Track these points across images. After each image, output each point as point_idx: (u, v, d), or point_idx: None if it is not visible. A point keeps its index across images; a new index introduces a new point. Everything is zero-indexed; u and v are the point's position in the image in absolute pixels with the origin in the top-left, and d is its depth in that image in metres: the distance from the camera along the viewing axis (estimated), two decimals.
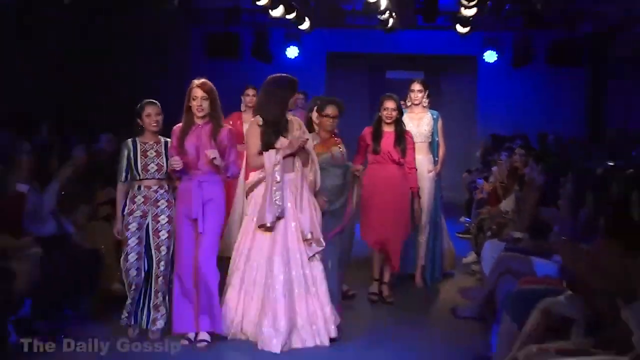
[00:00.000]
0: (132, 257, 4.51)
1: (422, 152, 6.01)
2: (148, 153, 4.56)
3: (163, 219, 4.56)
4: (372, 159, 5.68)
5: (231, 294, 4.62)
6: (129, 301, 4.55)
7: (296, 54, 12.43)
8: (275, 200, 4.53)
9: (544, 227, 4.76)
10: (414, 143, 5.76)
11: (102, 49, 9.20)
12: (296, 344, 4.52)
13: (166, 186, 4.62)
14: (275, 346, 4.42)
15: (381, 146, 5.61)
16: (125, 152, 4.56)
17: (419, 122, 6.13)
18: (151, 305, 4.59)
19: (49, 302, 4.65)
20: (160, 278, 4.58)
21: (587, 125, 12.34)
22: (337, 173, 5.19)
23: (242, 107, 6.72)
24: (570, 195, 4.55)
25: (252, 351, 4.44)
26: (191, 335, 4.49)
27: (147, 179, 4.56)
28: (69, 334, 4.52)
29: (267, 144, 4.60)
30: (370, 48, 12.38)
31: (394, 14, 10.23)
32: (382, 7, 9.58)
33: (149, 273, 4.59)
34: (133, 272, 4.52)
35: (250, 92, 6.63)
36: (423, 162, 5.97)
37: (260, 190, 4.65)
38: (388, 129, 5.64)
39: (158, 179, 4.58)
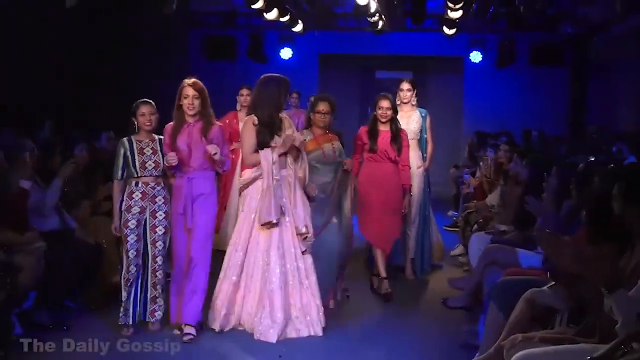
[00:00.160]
0: (132, 253, 4.55)
1: (411, 148, 5.99)
2: (145, 151, 4.60)
3: (160, 214, 4.62)
4: (368, 157, 5.71)
5: (229, 287, 4.66)
6: (124, 297, 4.57)
7: (290, 55, 12.57)
8: (278, 197, 4.61)
9: (529, 220, 4.78)
10: (408, 141, 5.82)
11: (103, 51, 9.20)
12: (291, 334, 4.62)
13: (162, 183, 4.67)
14: (272, 336, 4.52)
15: (378, 145, 5.65)
16: (122, 151, 4.60)
17: (408, 120, 6.20)
18: (148, 297, 4.65)
19: (52, 295, 4.72)
20: (159, 272, 4.64)
21: (569, 123, 12.51)
22: (327, 170, 5.20)
23: (238, 107, 6.86)
24: (554, 189, 4.60)
25: (249, 342, 4.51)
26: (186, 328, 4.52)
27: (145, 176, 4.59)
28: (71, 326, 4.65)
29: (263, 143, 4.67)
30: (361, 49, 12.52)
31: (383, 16, 10.32)
32: (372, 10, 9.69)
33: (144, 267, 4.64)
34: (133, 269, 4.57)
35: (245, 91, 6.75)
36: (412, 158, 6.02)
37: (255, 187, 4.71)
38: (384, 128, 5.69)
39: (155, 175, 4.62)
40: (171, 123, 4.64)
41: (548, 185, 4.71)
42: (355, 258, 6.26)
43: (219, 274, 4.75)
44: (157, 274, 4.64)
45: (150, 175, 4.62)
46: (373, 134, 5.68)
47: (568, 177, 4.43)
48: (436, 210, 7.18)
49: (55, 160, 5.28)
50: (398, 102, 6.28)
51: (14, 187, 4.74)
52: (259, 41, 12.27)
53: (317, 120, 5.24)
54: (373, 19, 10.30)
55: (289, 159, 4.75)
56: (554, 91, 12.54)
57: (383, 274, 5.66)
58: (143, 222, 4.61)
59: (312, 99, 8.62)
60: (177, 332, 4.61)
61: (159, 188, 4.65)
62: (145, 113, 4.61)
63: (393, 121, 5.70)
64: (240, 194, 4.87)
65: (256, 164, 4.69)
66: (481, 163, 7.81)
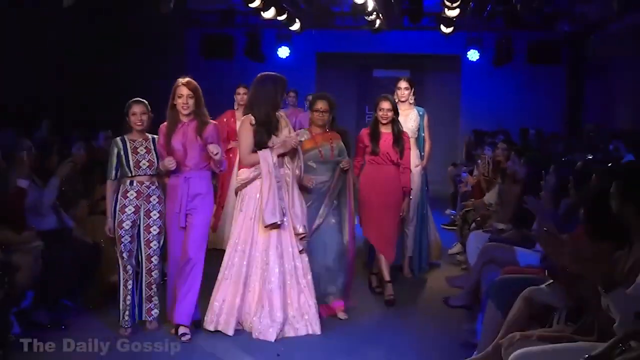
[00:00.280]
0: (126, 254, 4.55)
1: None
2: (139, 150, 4.57)
3: (154, 214, 4.60)
4: (370, 159, 5.61)
5: (228, 287, 4.63)
6: (122, 297, 4.56)
7: (287, 54, 12.58)
8: (280, 198, 4.60)
9: (527, 218, 4.79)
10: (410, 143, 5.75)
11: (101, 50, 9.20)
12: (289, 333, 4.62)
13: (156, 182, 4.64)
14: (272, 335, 4.53)
15: (380, 147, 5.54)
16: (115, 150, 4.57)
17: (406, 118, 6.15)
18: (144, 297, 4.63)
19: (50, 295, 4.71)
20: (154, 272, 4.62)
21: (566, 121, 12.54)
22: (324, 169, 5.11)
23: (235, 105, 6.87)
24: (552, 188, 4.60)
25: (248, 341, 4.51)
26: (181, 328, 4.52)
27: (139, 175, 4.57)
28: (69, 325, 4.65)
29: (260, 143, 4.65)
30: (358, 48, 12.54)
31: (380, 15, 10.34)
32: (369, 9, 9.69)
33: (139, 267, 4.62)
34: (129, 269, 4.57)
35: (241, 90, 6.76)
36: (410, 157, 5.99)
37: (254, 187, 4.68)
38: (385, 130, 5.58)
39: (150, 175, 4.60)
40: (165, 123, 4.63)
41: (546, 184, 4.72)
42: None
43: (217, 274, 4.74)
44: (153, 273, 4.63)
45: (145, 175, 4.60)
46: (374, 136, 5.58)
47: (566, 176, 4.44)
48: (434, 208, 7.17)
49: (53, 159, 5.28)
50: (396, 101, 6.30)
51: (11, 186, 4.73)
52: (256, 40, 12.28)
53: (315, 118, 5.17)
54: (370, 17, 10.32)
55: (286, 158, 4.74)
56: (551, 89, 12.58)
57: (387, 277, 5.54)
58: (138, 223, 4.59)
59: (310, 97, 8.72)
60: (172, 331, 4.61)
61: (153, 187, 4.63)
62: (137, 112, 4.58)
63: (394, 123, 5.60)
64: (236, 193, 4.84)
65: (254, 164, 4.67)
66: (479, 161, 7.82)
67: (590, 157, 5.87)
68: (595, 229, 3.15)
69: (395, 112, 5.62)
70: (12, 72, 7.79)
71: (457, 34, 11.37)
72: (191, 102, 4.53)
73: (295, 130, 5.18)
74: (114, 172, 4.61)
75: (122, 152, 4.58)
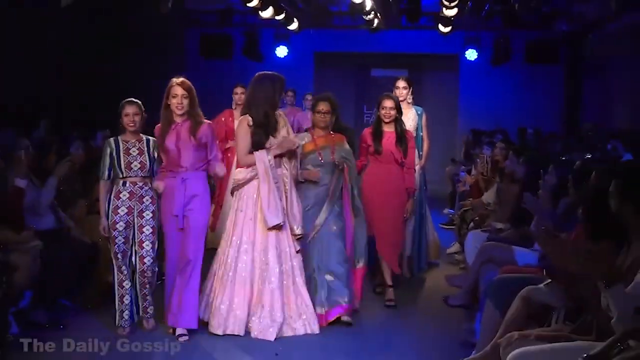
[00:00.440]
0: (120, 255, 4.54)
1: None
2: (131, 151, 4.54)
3: (147, 214, 4.56)
4: (373, 159, 5.50)
5: (233, 289, 4.60)
6: (119, 298, 4.55)
7: (285, 53, 12.58)
8: (279, 199, 4.58)
9: (525, 217, 4.79)
10: (414, 142, 5.68)
11: (101, 50, 9.19)
12: (287, 332, 4.62)
13: (149, 182, 4.61)
14: (271, 335, 4.53)
15: (383, 146, 5.45)
16: (108, 151, 4.54)
17: (404, 118, 6.08)
18: (139, 296, 4.61)
19: (48, 294, 4.72)
20: (147, 272, 4.58)
21: (564, 120, 12.56)
22: (323, 173, 5.00)
23: (233, 105, 6.87)
24: (551, 187, 4.61)
25: (247, 341, 4.51)
26: (179, 330, 4.51)
27: (130, 176, 4.55)
28: (68, 325, 4.65)
29: (257, 144, 4.63)
30: (356, 47, 12.53)
31: (378, 14, 10.35)
32: (367, 8, 9.70)
33: (133, 268, 4.60)
34: (124, 270, 4.56)
35: (239, 90, 6.75)
36: (414, 156, 5.93)
37: (252, 186, 4.66)
38: (388, 129, 5.49)
39: (142, 176, 4.57)
40: (159, 125, 4.61)
41: (545, 183, 4.73)
42: None
43: (214, 273, 4.74)
44: (146, 274, 4.59)
45: (136, 176, 4.57)
46: (377, 135, 5.48)
47: (565, 175, 4.43)
48: (432, 208, 7.17)
49: (51, 158, 5.27)
50: None
51: (9, 186, 4.73)
52: (254, 39, 12.29)
53: (317, 120, 5.05)
54: (368, 17, 10.33)
55: (284, 158, 4.74)
56: (549, 89, 12.59)
57: (389, 282, 5.47)
58: (132, 224, 4.56)
59: (308, 96, 8.74)
60: (170, 331, 4.60)
61: (146, 188, 4.60)
62: (130, 113, 4.54)
63: (397, 122, 5.49)
64: (232, 193, 4.81)
65: (251, 165, 4.66)
66: (477, 160, 7.82)
67: (589, 157, 5.87)
68: (594, 228, 3.15)
69: (399, 110, 5.53)
70: (12, 72, 7.78)
71: (455, 34, 11.38)
72: (185, 102, 4.50)
73: (293, 130, 5.15)
74: (106, 172, 4.59)
75: (114, 153, 4.56)
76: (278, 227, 4.63)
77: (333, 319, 4.85)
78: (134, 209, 4.57)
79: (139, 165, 4.57)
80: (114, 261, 4.59)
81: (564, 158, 5.93)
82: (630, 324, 2.63)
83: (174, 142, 4.52)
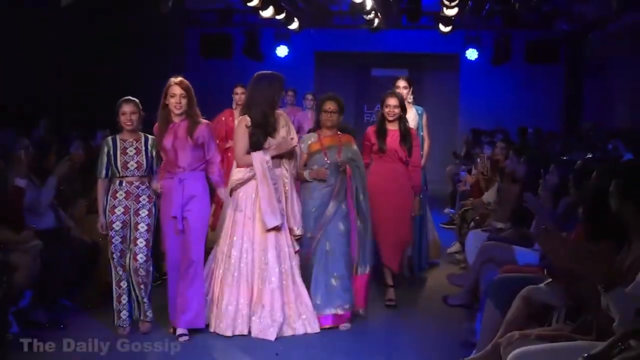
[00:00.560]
0: (116, 255, 4.52)
1: None
2: (128, 151, 4.51)
3: (143, 212, 4.53)
4: (377, 158, 5.41)
5: (239, 289, 4.59)
6: (116, 298, 4.55)
7: (286, 53, 12.58)
8: (277, 200, 4.57)
9: (526, 217, 4.78)
10: (419, 140, 5.61)
11: (100, 49, 9.19)
12: (287, 332, 4.62)
13: (147, 182, 4.59)
14: (272, 334, 4.53)
15: (387, 145, 5.37)
16: (105, 150, 4.52)
17: None
18: (136, 297, 4.56)
19: (48, 294, 4.72)
20: (140, 270, 4.51)
21: (564, 120, 12.56)
22: (328, 174, 4.91)
23: (233, 105, 6.86)
24: (552, 187, 4.60)
25: (247, 340, 4.50)
26: (179, 330, 4.50)
27: (127, 176, 4.52)
28: (68, 325, 4.65)
29: (256, 144, 4.61)
30: (357, 47, 12.53)
31: (379, 14, 10.36)
32: (368, 8, 9.71)
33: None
34: (120, 270, 4.55)
35: (239, 90, 6.73)
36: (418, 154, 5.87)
37: (251, 186, 4.65)
38: (392, 127, 5.41)
39: (139, 175, 4.54)
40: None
41: (545, 183, 4.72)
42: None
43: (213, 273, 4.73)
44: (139, 272, 4.52)
45: (133, 176, 4.55)
46: (381, 133, 5.40)
47: (566, 175, 4.42)
48: (433, 207, 7.17)
49: (51, 158, 5.26)
50: None
51: (9, 186, 4.73)
52: (254, 39, 12.28)
53: (324, 119, 4.98)
54: (369, 16, 10.33)
55: (284, 159, 4.74)
56: (549, 89, 12.59)
57: (390, 282, 5.44)
58: (128, 223, 4.54)
59: (309, 96, 8.73)
60: (170, 330, 4.61)
61: (143, 187, 4.57)
62: (127, 112, 4.51)
63: (401, 120, 5.43)
64: (231, 193, 4.77)
65: (249, 165, 4.64)
66: (478, 160, 7.82)
67: (590, 156, 5.86)
68: (594, 228, 3.15)
69: (403, 109, 5.45)
70: (12, 72, 7.78)
71: (455, 33, 11.38)
72: (184, 101, 4.47)
73: (295, 129, 5.13)
74: (104, 171, 4.57)
75: (111, 152, 4.53)
76: (277, 228, 4.63)
77: (331, 326, 4.81)
78: (130, 208, 4.55)
79: (135, 165, 4.54)
80: (111, 261, 4.58)
81: (564, 158, 5.92)
82: (631, 326, 2.62)
83: (171, 142, 4.49)
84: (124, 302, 4.59)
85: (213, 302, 4.67)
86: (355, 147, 5.09)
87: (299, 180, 5.02)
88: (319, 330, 4.68)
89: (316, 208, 4.87)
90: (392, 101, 5.39)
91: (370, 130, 5.53)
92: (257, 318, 4.59)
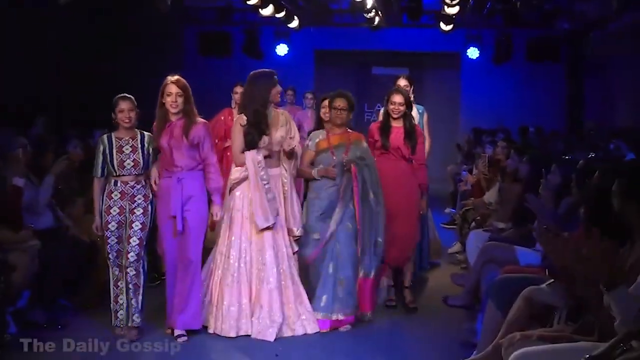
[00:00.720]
0: (112, 255, 4.48)
1: None
2: (124, 149, 4.45)
3: (138, 210, 4.48)
4: (380, 155, 5.27)
5: (239, 290, 4.57)
6: (112, 298, 4.50)
7: (286, 51, 12.55)
8: (270, 201, 4.55)
9: (527, 217, 4.75)
10: (424, 138, 5.52)
11: (98, 47, 9.19)
12: (287, 333, 4.60)
13: (143, 181, 4.54)
14: (271, 335, 4.51)
15: (390, 142, 5.26)
16: (101, 148, 4.46)
17: None
18: (129, 300, 4.47)
19: (46, 294, 4.71)
20: (130, 268, 4.43)
21: (566, 119, 12.55)
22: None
23: (233, 104, 6.83)
24: (554, 186, 4.58)
25: (246, 341, 4.49)
26: (177, 331, 4.49)
27: (123, 175, 4.46)
28: (66, 325, 4.65)
29: (250, 143, 4.59)
30: (357, 45, 12.51)
31: (379, 12, 10.35)
32: (368, 6, 9.70)
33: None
34: (116, 271, 4.51)
35: (239, 89, 6.67)
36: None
37: (245, 186, 4.64)
38: (396, 124, 5.30)
39: (135, 174, 4.49)
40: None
41: (547, 183, 4.70)
42: None
43: (212, 274, 4.71)
44: (129, 270, 4.44)
45: (129, 175, 4.48)
46: (385, 130, 5.28)
47: (568, 174, 4.41)
48: (433, 207, 7.16)
49: (48, 157, 5.25)
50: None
51: (7, 185, 4.71)
52: (254, 37, 12.26)
53: (333, 117, 4.91)
54: (369, 14, 10.31)
55: (283, 157, 4.71)
56: (550, 87, 12.57)
57: (391, 282, 5.40)
58: (124, 224, 4.49)
59: (308, 95, 8.70)
60: (168, 331, 4.59)
61: (138, 187, 4.52)
62: (125, 109, 4.45)
63: (406, 117, 5.31)
64: (229, 192, 4.76)
65: (244, 164, 4.64)
66: (479, 160, 7.80)
67: (592, 156, 5.84)
68: (596, 228, 3.09)
69: (408, 106, 5.34)
70: (12, 72, 7.78)
71: (456, 32, 11.36)
72: (180, 100, 4.44)
73: (300, 128, 5.09)
74: (100, 170, 4.52)
75: (107, 151, 4.48)
76: (271, 228, 4.60)
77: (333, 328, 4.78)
78: (125, 208, 4.50)
79: (132, 164, 4.49)
80: (108, 261, 4.55)
81: (566, 157, 5.89)
82: (633, 326, 2.61)
83: (167, 141, 4.47)
84: (120, 302, 4.54)
85: (212, 303, 4.64)
86: (365, 144, 5.03)
87: (306, 179, 4.99)
88: (318, 330, 4.67)
89: (324, 209, 4.82)
90: (398, 98, 5.29)
91: (374, 126, 5.45)
92: (255, 319, 4.57)
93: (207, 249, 4.97)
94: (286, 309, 4.62)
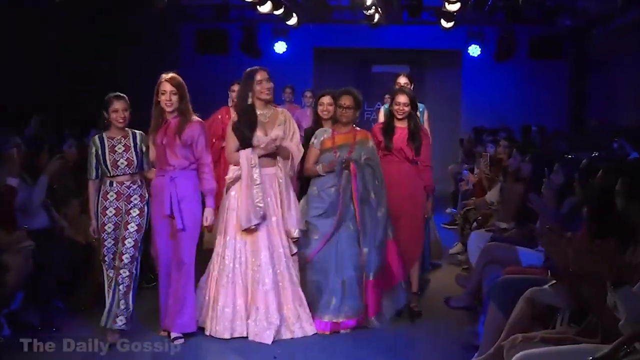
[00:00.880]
0: (109, 257, 4.43)
1: None
2: (116, 148, 4.41)
3: (134, 211, 4.42)
4: (383, 156, 5.13)
5: (234, 290, 4.54)
6: (109, 301, 4.44)
7: (284, 49, 12.49)
8: (257, 202, 4.50)
9: (529, 217, 4.73)
10: (429, 139, 5.39)
11: (93, 46, 9.21)
12: (286, 335, 4.56)
13: (139, 181, 4.50)
14: (268, 337, 4.47)
15: (393, 143, 5.14)
16: (94, 149, 4.41)
17: None
18: (115, 300, 4.38)
19: (41, 295, 4.67)
20: (123, 270, 4.35)
21: (569, 117, 12.51)
22: (333, 173, 4.78)
23: (230, 102, 6.78)
24: (557, 186, 4.56)
25: (244, 343, 4.46)
26: (174, 334, 4.45)
27: (118, 175, 4.41)
28: (61, 327, 4.60)
29: (242, 141, 4.57)
30: (357, 43, 12.46)
31: (379, 9, 10.32)
32: (368, 3, 9.66)
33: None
34: (111, 273, 4.45)
35: (236, 87, 6.63)
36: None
37: (239, 186, 4.60)
38: (400, 125, 5.18)
39: (130, 174, 4.44)
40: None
41: (550, 182, 4.69)
42: None
43: (210, 275, 4.67)
44: (122, 272, 4.36)
45: (124, 174, 4.43)
46: (388, 131, 5.16)
47: (571, 174, 4.38)
48: (434, 207, 7.06)
49: (43, 157, 5.23)
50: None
51: (0, 185, 4.70)
52: (252, 35, 12.21)
53: (338, 115, 4.85)
54: (369, 11, 10.28)
55: (279, 157, 4.66)
56: (553, 85, 12.54)
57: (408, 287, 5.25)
58: (120, 225, 4.43)
59: (307, 93, 8.64)
60: (163, 333, 4.55)
61: (134, 187, 4.47)
62: (119, 109, 4.39)
63: (411, 118, 5.19)
64: (226, 191, 4.73)
65: (238, 163, 4.62)
66: (481, 159, 7.75)
67: (596, 155, 5.80)
68: (599, 228, 3.12)
69: (413, 106, 5.22)
70: (12, 72, 7.81)
71: (457, 29, 11.30)
72: (175, 98, 4.40)
73: (298, 127, 5.03)
74: (94, 172, 4.47)
75: (99, 151, 4.42)
76: (254, 230, 4.53)
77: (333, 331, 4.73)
78: (121, 209, 4.45)
79: (125, 163, 4.43)
80: (102, 263, 4.49)
81: (569, 156, 5.85)
82: (638, 326, 2.60)
83: (161, 140, 4.43)
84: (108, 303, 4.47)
85: (209, 304, 4.61)
86: (371, 143, 4.94)
87: (307, 177, 4.91)
88: (316, 332, 4.63)
89: (324, 208, 4.77)
90: (402, 99, 5.17)
91: (377, 127, 5.36)
92: (252, 321, 4.53)
93: (205, 251, 4.96)
94: (285, 310, 4.58)
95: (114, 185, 4.45)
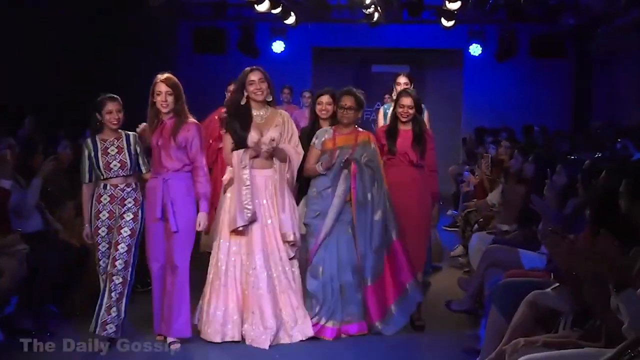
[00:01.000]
0: (104, 262, 4.38)
1: None
2: (109, 150, 4.36)
3: (128, 215, 4.37)
4: (387, 160, 5.00)
5: (227, 293, 4.51)
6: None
7: (282, 49, 12.44)
8: (245, 203, 4.45)
9: (532, 219, 4.70)
10: (434, 142, 5.24)
11: (89, 45, 9.20)
12: (284, 339, 4.52)
13: (134, 183, 4.45)
14: (265, 342, 4.42)
15: (397, 146, 4.99)
16: (86, 152, 4.37)
17: None
18: (104, 306, 4.30)
19: (35, 300, 4.63)
20: (116, 276, 4.29)
21: (571, 116, 12.46)
22: (330, 175, 4.71)
23: None
24: (559, 187, 4.53)
25: (242, 348, 4.43)
26: (170, 338, 4.41)
27: (111, 177, 4.37)
28: (55, 332, 4.54)
29: (237, 142, 4.54)
30: (356, 42, 12.40)
31: (379, 8, 10.30)
32: (367, 2, 9.64)
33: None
34: (105, 278, 4.40)
35: (232, 87, 6.61)
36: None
37: (235, 187, 4.57)
38: (405, 128, 5.03)
39: (124, 176, 4.39)
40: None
41: (552, 183, 4.66)
42: None
43: (206, 278, 4.64)
44: (114, 278, 4.29)
45: (117, 177, 4.38)
46: (392, 134, 5.02)
47: (574, 175, 4.35)
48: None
49: (37, 158, 5.22)
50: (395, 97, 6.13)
51: None
52: (250, 34, 12.16)
53: (339, 116, 4.77)
54: (368, 10, 10.26)
55: (275, 159, 4.61)
56: (555, 84, 12.50)
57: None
58: (114, 228, 4.38)
59: (306, 94, 8.60)
60: (159, 337, 4.51)
61: (128, 190, 4.41)
62: (113, 110, 4.34)
63: (416, 120, 5.05)
64: (224, 192, 4.70)
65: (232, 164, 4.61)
66: (482, 160, 7.70)
67: (599, 155, 5.77)
68: (602, 229, 3.07)
69: (418, 108, 5.09)
70: (12, 72, 7.80)
71: (458, 28, 11.25)
72: (170, 99, 4.37)
73: (297, 128, 4.97)
74: (87, 175, 4.43)
75: (92, 154, 4.37)
76: (240, 231, 4.49)
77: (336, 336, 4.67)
78: (115, 213, 4.40)
79: (118, 165, 4.38)
80: (97, 268, 4.44)
81: (572, 157, 5.80)
82: None
83: (157, 141, 4.41)
84: (100, 309, 4.40)
85: (203, 308, 4.58)
86: (373, 145, 4.85)
87: (310, 176, 4.83)
88: (312, 335, 4.57)
89: (322, 210, 4.71)
90: (407, 101, 5.02)
91: (380, 130, 5.23)
92: (248, 325, 4.50)
93: (202, 254, 4.96)
94: (284, 314, 4.54)
95: (108, 188, 4.39)
